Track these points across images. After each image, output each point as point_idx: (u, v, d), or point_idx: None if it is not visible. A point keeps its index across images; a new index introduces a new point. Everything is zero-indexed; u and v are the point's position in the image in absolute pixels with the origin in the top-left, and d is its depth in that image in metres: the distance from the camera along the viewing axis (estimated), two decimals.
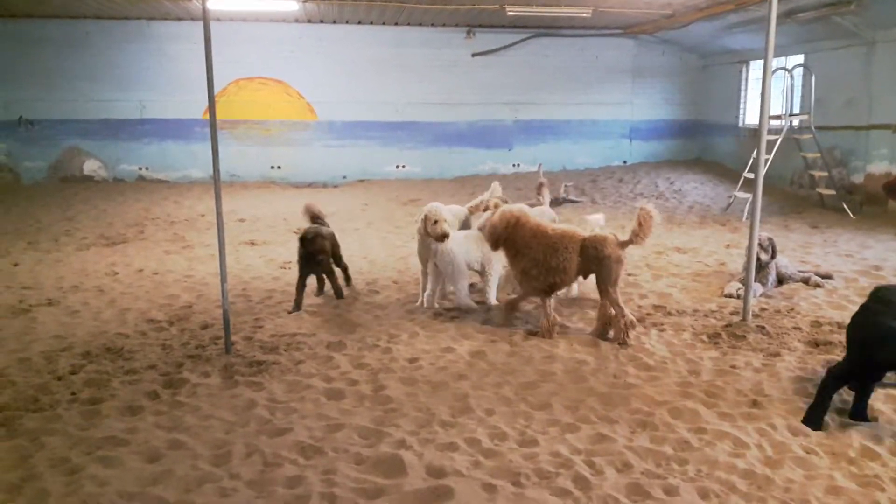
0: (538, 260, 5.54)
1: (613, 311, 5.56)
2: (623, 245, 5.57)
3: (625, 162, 17.81)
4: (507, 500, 3.35)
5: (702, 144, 17.90)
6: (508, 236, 5.63)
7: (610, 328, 5.64)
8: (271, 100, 16.27)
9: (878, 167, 11.95)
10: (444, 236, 6.09)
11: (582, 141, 17.66)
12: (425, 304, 6.56)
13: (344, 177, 16.60)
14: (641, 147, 17.96)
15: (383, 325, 6.07)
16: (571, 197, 13.57)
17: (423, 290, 6.67)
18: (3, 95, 15.36)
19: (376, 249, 9.43)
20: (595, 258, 5.49)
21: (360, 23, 16.10)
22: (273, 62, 16.07)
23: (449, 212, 6.56)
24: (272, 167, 16.47)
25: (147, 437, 4.00)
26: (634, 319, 5.60)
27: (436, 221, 6.08)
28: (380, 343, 5.59)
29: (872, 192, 12.02)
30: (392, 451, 3.81)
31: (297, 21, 15.69)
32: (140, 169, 16.08)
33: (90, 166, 15.94)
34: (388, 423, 4.19)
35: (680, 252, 9.11)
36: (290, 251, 9.00)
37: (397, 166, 16.93)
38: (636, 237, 5.47)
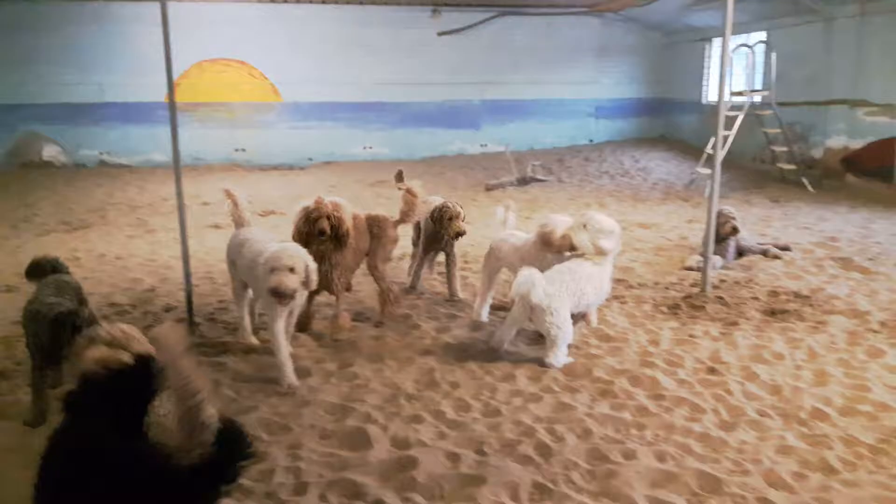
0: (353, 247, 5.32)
1: (381, 287, 5.53)
2: (396, 225, 5.67)
3: (591, 141, 17.93)
4: (469, 468, 3.41)
5: (666, 122, 18.09)
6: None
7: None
8: (235, 81, 16.04)
9: (837, 142, 12.21)
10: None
11: (549, 120, 17.72)
12: (483, 318, 5.61)
13: (310, 159, 16.47)
14: (607, 126, 18.08)
15: (349, 302, 6.08)
16: (539, 176, 13.64)
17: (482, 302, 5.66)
18: None
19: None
20: (376, 237, 5.53)
21: (324, 2, 15.91)
22: (236, 43, 15.81)
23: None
24: (237, 150, 16.27)
25: None
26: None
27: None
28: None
29: (831, 167, 12.29)
30: (358, 425, 3.85)
31: (259, 1, 15.46)
32: (101, 154, 15.76)
33: (49, 152, 15.57)
34: (354, 398, 4.23)
35: (643, 227, 9.24)
36: None
37: (364, 147, 16.84)
38: (404, 216, 5.67)
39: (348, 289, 5.67)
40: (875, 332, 5.19)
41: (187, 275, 5.33)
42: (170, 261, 7.71)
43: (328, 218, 4.93)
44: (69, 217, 10.35)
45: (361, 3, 16.00)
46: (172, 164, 5.37)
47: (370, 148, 16.86)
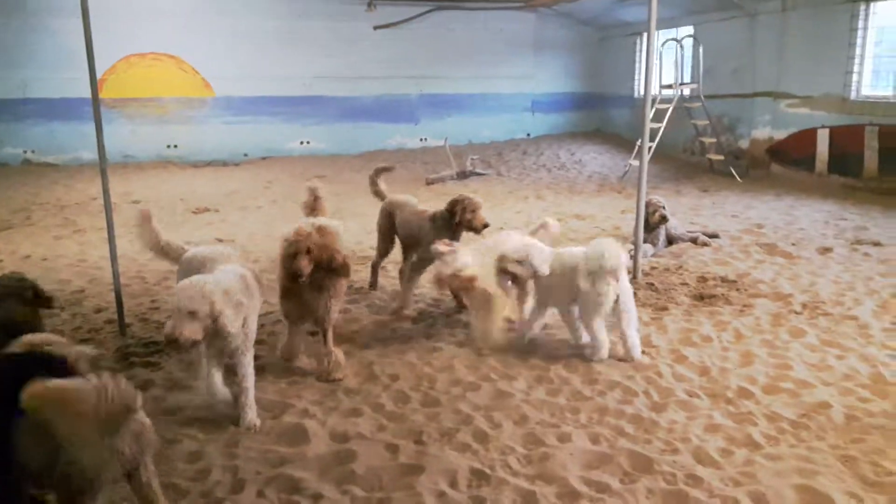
0: None
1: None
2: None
3: (528, 135, 18.15)
4: (409, 458, 3.43)
5: (600, 116, 18.46)
6: None
7: None
8: (165, 76, 15.61)
9: (762, 132, 12.68)
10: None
11: (487, 114, 17.86)
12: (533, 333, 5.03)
13: (245, 154, 16.17)
14: (544, 120, 18.34)
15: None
16: (478, 170, 13.74)
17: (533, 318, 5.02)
18: None
19: (280, 227, 9.24)
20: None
21: None
22: (165, 37, 15.38)
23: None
24: (168, 146, 15.85)
25: None
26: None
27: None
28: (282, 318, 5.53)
29: (757, 157, 12.76)
30: (296, 421, 3.82)
31: None
32: (25, 152, 15.12)
33: None
34: (291, 394, 4.19)
35: (579, 219, 9.42)
36: (188, 232, 8.77)
37: (301, 142, 16.64)
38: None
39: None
40: (797, 313, 5.43)
41: (116, 274, 5.18)
42: (100, 261, 7.46)
43: (309, 252, 4.06)
44: None
45: None
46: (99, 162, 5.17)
47: (308, 143, 16.68)
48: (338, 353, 4.43)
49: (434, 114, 17.48)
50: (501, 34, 17.49)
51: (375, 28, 16.54)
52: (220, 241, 8.34)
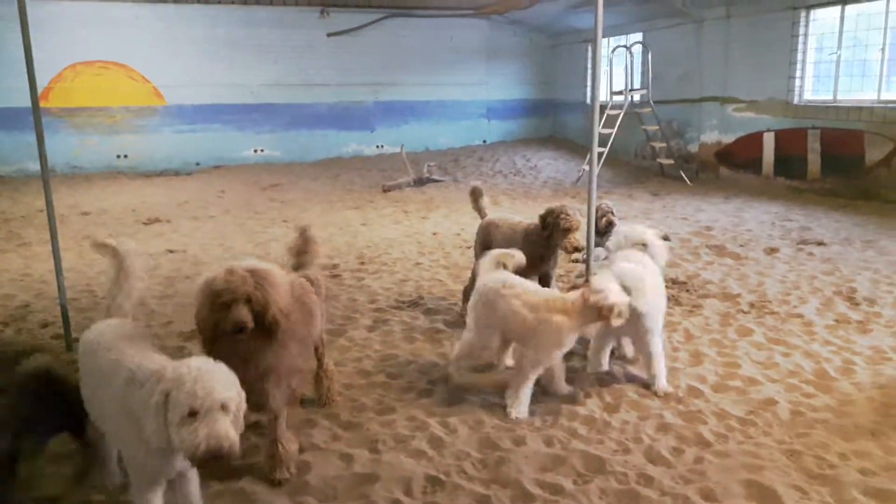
0: None
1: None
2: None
3: (484, 141, 18.27)
4: (363, 467, 3.41)
5: (554, 122, 18.69)
6: None
7: None
8: (113, 85, 15.27)
9: (710, 136, 12.99)
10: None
11: (443, 121, 17.93)
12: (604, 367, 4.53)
13: (197, 163, 15.92)
14: (499, 126, 18.48)
15: None
16: (435, 176, 13.77)
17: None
18: None
19: (234, 237, 9.15)
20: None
21: (206, 1, 15.42)
22: (114, 44, 15.05)
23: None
24: (118, 156, 15.50)
25: None
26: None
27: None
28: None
29: (706, 160, 13.06)
30: (247, 435, 3.76)
31: (135, 1, 14.80)
32: None
33: None
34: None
35: None
36: (139, 244, 8.59)
37: (255, 150, 16.46)
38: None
39: (294, 400, 3.81)
40: (745, 312, 5.58)
41: (61, 288, 5.04)
42: (46, 275, 7.25)
43: (249, 301, 3.03)
44: None
45: (246, 3, 15.62)
46: (49, 175, 5.02)
47: (261, 151, 16.50)
48: (288, 444, 3.36)
49: (390, 121, 17.47)
50: (454, 41, 17.59)
51: (329, 35, 16.48)
52: (172, 251, 8.20)
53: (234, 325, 2.98)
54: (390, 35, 17.00)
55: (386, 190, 12.73)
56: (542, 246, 4.92)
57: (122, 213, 10.93)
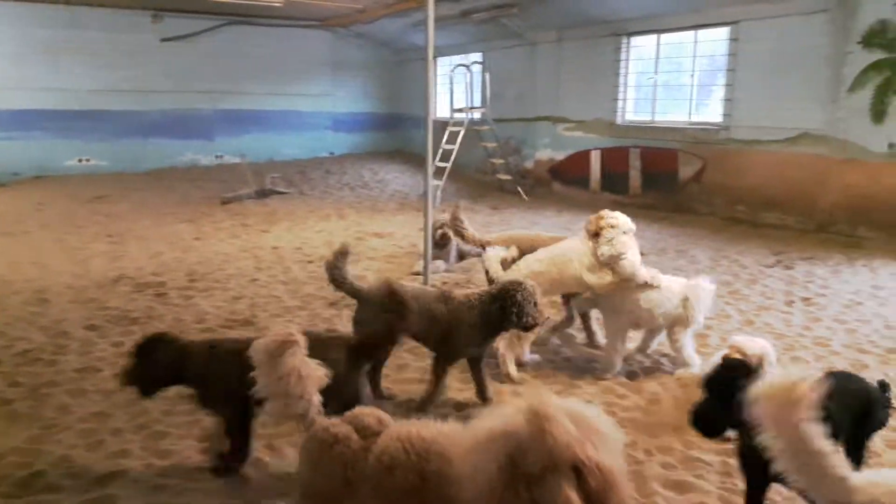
0: None
1: None
2: None
3: (332, 153, 18.13)
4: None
5: (400, 136, 18.91)
6: None
7: None
8: None
9: (543, 154, 13.70)
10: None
11: (288, 132, 17.60)
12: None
13: (15, 174, 14.49)
14: (346, 139, 18.43)
15: (49, 334, 5.46)
16: (279, 188, 13.45)
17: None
18: None
19: (51, 253, 8.40)
20: None
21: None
22: None
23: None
24: None
25: None
26: None
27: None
28: (44, 355, 5.01)
29: (540, 176, 13.75)
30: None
31: None
32: None
33: None
34: (47, 440, 3.79)
35: (378, 237, 9.55)
36: None
37: (80, 160, 15.27)
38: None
39: None
40: None
41: None
42: None
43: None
44: None
45: (69, 3, 14.49)
46: None
47: (87, 160, 15.33)
48: None
49: (231, 130, 16.88)
50: (299, 52, 17.35)
51: (163, 41, 15.68)
52: None
53: None
54: (231, 43, 16.47)
55: (225, 202, 12.25)
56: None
57: None
